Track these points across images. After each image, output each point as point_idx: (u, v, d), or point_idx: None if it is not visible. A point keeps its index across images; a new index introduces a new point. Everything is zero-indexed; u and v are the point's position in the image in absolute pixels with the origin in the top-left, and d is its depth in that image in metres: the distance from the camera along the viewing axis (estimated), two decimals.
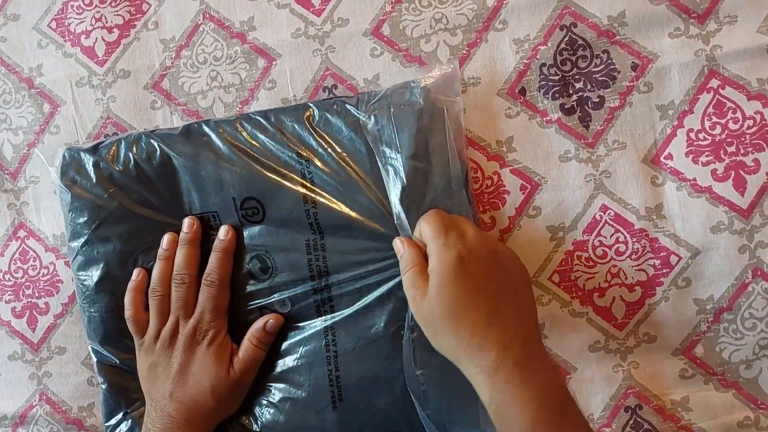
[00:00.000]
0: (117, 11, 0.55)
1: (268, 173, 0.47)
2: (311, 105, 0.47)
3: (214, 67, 0.53)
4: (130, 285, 0.49)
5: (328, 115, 0.46)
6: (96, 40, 0.55)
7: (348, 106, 0.46)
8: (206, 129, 0.48)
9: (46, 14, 0.57)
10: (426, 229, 0.41)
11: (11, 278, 0.57)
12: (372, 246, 0.45)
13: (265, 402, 0.48)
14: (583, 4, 0.48)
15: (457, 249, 0.39)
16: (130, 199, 0.49)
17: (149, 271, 0.49)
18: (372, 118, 0.45)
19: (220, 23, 0.53)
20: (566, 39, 0.48)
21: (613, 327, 0.48)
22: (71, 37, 0.56)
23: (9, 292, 0.56)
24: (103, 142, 0.50)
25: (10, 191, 0.57)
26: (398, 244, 0.43)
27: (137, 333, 0.48)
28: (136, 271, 0.49)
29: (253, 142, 0.47)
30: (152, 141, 0.49)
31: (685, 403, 0.47)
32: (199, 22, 0.54)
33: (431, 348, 0.41)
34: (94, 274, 0.50)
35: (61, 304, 0.55)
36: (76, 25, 0.56)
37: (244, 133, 0.47)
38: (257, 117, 0.48)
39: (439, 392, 0.44)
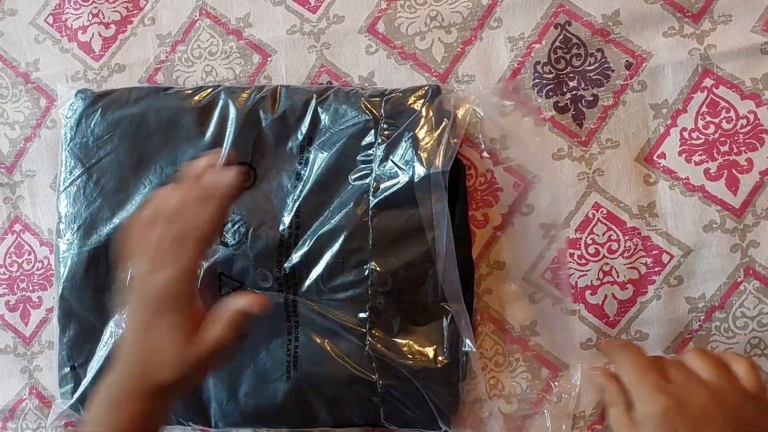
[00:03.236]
0: (114, 7, 0.53)
1: (267, 145, 0.45)
2: (330, 91, 0.46)
3: (209, 62, 0.51)
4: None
5: (341, 107, 0.45)
6: (93, 36, 0.53)
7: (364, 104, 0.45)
8: (222, 95, 0.46)
9: (43, 9, 0.54)
10: (625, 371, 0.35)
11: (6, 272, 0.54)
12: (345, 227, 0.44)
13: (222, 372, 0.46)
14: (577, 2, 0.46)
15: (660, 403, 0.33)
16: (126, 146, 0.46)
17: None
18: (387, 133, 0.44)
19: (216, 19, 0.51)
20: (560, 37, 0.46)
21: (605, 324, 0.46)
22: (68, 32, 0.54)
23: (3, 286, 0.54)
24: (115, 91, 0.48)
25: (6, 185, 0.54)
26: (599, 376, 0.37)
27: None
28: None
29: (261, 114, 0.45)
30: (161, 96, 0.47)
31: None
32: (196, 18, 0.52)
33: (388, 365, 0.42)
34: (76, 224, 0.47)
35: (53, 298, 0.53)
36: (74, 20, 0.54)
37: (254, 104, 0.46)
38: (267, 91, 0.46)
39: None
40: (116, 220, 0.46)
